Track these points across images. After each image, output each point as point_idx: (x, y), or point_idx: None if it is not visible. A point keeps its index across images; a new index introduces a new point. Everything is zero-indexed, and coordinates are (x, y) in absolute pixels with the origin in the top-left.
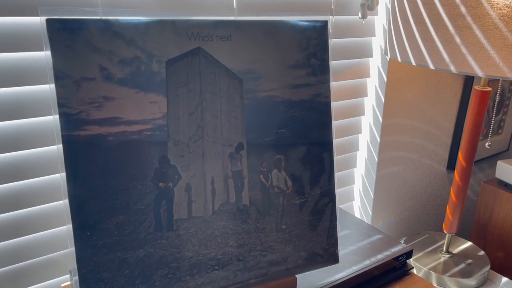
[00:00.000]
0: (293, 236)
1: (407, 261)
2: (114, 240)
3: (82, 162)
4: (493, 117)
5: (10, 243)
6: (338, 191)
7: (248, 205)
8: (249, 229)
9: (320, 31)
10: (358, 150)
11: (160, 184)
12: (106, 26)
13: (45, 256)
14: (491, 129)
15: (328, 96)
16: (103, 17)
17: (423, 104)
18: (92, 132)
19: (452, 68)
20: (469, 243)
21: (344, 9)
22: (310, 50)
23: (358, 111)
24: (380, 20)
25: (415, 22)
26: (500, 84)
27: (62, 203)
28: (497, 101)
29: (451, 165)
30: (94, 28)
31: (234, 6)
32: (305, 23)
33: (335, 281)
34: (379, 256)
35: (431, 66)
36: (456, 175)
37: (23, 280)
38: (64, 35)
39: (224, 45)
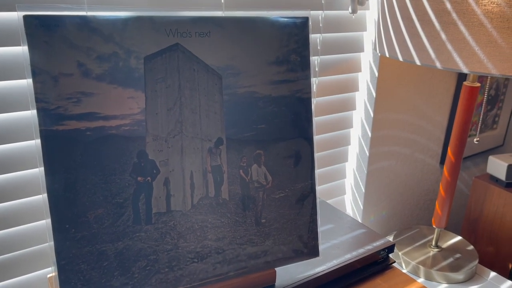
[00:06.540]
0: (273, 230)
1: (389, 255)
2: (92, 233)
3: (60, 157)
4: (482, 112)
5: None
6: (329, 185)
7: (227, 199)
8: (229, 223)
9: (300, 28)
10: (349, 144)
11: (139, 178)
12: (84, 23)
13: (31, 248)
14: (479, 125)
15: (308, 92)
16: (87, 13)
17: (416, 99)
18: (70, 127)
19: (438, 64)
20: (458, 238)
21: (334, 4)
22: (290, 47)
23: (349, 106)
24: (371, 14)
25: (402, 18)
26: (488, 79)
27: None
28: (486, 96)
29: (444, 160)
30: (72, 25)
31: (222, 1)
32: (286, 19)
33: (315, 274)
34: (361, 250)
35: (418, 62)
36: (445, 170)
37: (10, 270)
38: (41, 31)
39: (203, 41)
